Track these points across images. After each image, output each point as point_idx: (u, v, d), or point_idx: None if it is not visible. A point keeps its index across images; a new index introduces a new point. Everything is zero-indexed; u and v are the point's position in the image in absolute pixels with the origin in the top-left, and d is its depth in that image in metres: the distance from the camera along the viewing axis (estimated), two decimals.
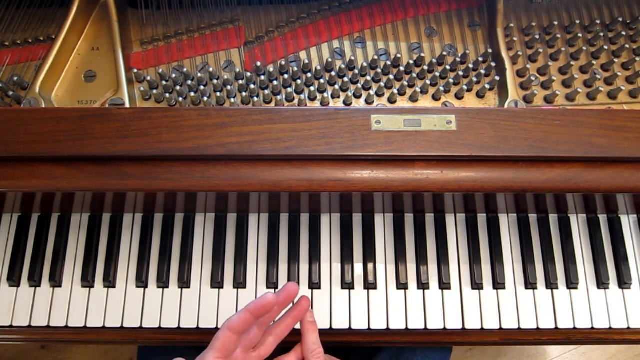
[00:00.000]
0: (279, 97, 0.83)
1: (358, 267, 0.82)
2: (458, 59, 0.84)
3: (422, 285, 0.80)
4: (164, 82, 0.82)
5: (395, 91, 0.83)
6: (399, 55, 0.84)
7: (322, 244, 0.83)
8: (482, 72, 0.83)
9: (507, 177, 0.69)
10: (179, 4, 0.88)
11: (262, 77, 0.83)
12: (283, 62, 0.83)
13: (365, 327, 0.79)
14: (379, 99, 0.84)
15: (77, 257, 0.82)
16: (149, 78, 0.82)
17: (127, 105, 0.80)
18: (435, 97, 0.83)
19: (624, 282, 0.81)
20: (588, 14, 0.91)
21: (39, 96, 0.78)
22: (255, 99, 0.82)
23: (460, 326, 0.79)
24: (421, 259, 0.82)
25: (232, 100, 0.82)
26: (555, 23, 0.87)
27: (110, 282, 0.80)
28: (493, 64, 0.84)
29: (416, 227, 0.84)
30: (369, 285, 0.81)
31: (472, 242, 0.83)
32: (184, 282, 0.80)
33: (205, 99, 0.81)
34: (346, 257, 0.82)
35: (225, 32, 0.87)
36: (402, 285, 0.81)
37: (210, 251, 0.82)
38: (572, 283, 0.81)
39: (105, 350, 1.52)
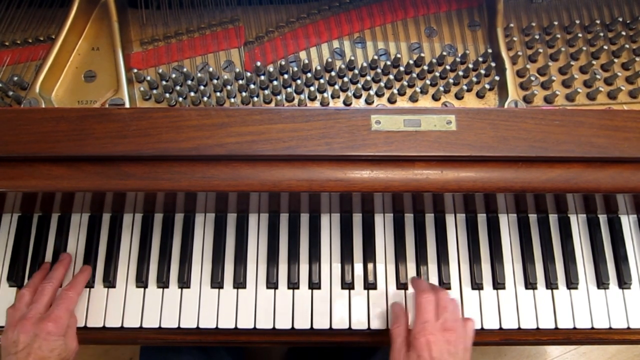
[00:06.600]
0: (279, 97, 0.83)
1: (358, 267, 0.82)
2: (458, 59, 0.84)
3: None
4: (164, 82, 0.82)
5: (395, 91, 0.83)
6: (399, 55, 0.83)
7: (322, 244, 0.83)
8: (482, 72, 0.83)
9: (507, 177, 0.69)
10: (179, 4, 0.88)
11: (262, 77, 0.83)
12: (283, 62, 0.83)
13: (365, 327, 0.79)
14: (379, 99, 0.84)
15: (76, 257, 0.82)
16: (149, 78, 0.82)
17: (127, 105, 0.80)
18: (435, 97, 0.83)
19: (624, 282, 0.81)
20: (588, 14, 0.90)
21: (39, 96, 0.78)
22: (255, 99, 0.82)
23: None
24: (421, 259, 0.82)
25: (232, 100, 0.82)
26: (555, 23, 0.87)
27: (110, 282, 0.80)
28: (493, 64, 0.84)
29: (416, 227, 0.84)
30: (369, 285, 0.81)
31: (472, 242, 0.83)
32: (184, 282, 0.80)
33: (205, 99, 0.81)
34: (346, 257, 0.82)
35: (225, 32, 0.87)
36: (402, 285, 0.81)
37: (210, 251, 0.82)
38: (572, 283, 0.81)
39: (105, 350, 1.52)
